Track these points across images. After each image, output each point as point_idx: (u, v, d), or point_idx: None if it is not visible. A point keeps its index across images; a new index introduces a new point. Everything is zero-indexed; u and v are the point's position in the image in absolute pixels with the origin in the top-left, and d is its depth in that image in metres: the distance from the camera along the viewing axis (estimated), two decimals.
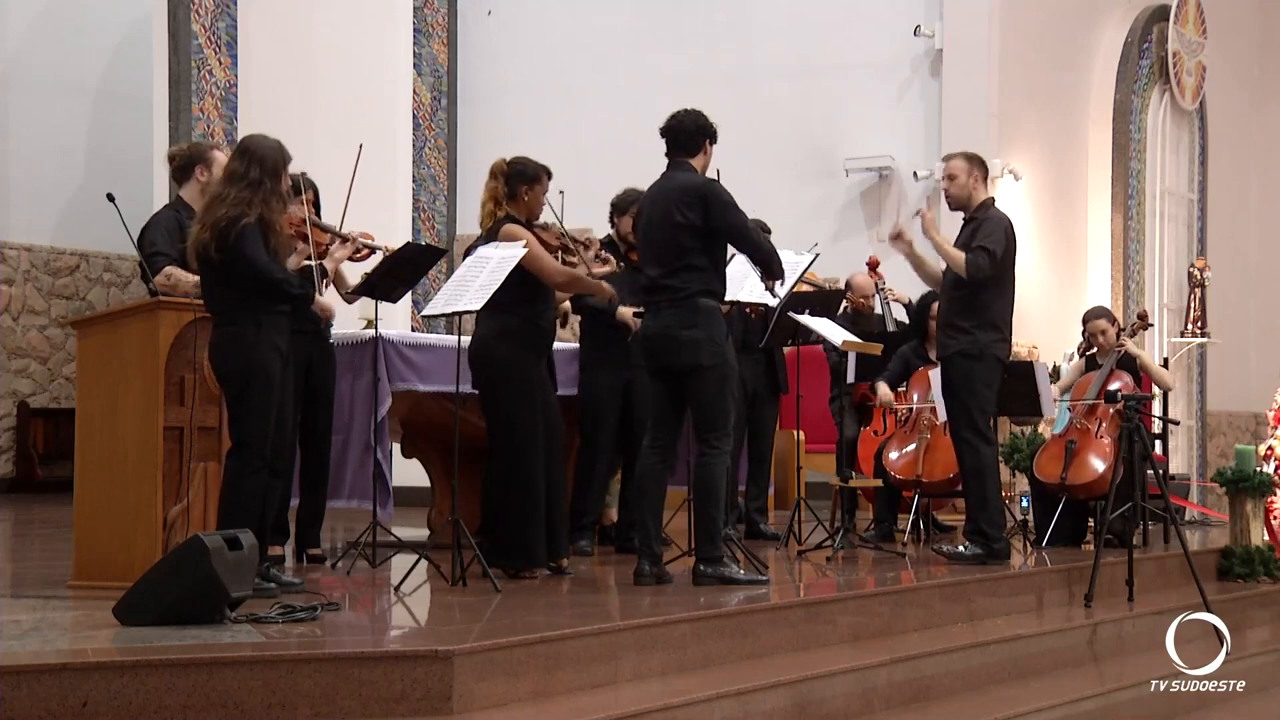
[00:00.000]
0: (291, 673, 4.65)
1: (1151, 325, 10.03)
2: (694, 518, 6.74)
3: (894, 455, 8.80)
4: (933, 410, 8.63)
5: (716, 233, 6.62)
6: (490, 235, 6.88)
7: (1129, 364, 9.00)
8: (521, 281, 6.59)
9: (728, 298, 6.96)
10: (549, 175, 6.98)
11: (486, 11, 14.26)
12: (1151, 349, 13.52)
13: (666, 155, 6.79)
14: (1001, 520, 7.89)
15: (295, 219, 6.67)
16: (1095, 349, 9.07)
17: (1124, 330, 9.15)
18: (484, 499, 6.85)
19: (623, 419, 7.84)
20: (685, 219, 6.57)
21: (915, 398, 8.88)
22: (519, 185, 6.88)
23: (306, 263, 6.50)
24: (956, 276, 7.68)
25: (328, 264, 6.81)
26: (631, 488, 7.77)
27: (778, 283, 6.85)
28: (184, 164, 6.83)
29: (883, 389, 8.96)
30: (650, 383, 6.86)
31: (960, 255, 7.63)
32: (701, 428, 6.62)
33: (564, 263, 6.95)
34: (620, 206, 8.01)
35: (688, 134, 6.75)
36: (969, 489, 7.80)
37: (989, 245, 7.60)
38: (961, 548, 7.68)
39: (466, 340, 6.88)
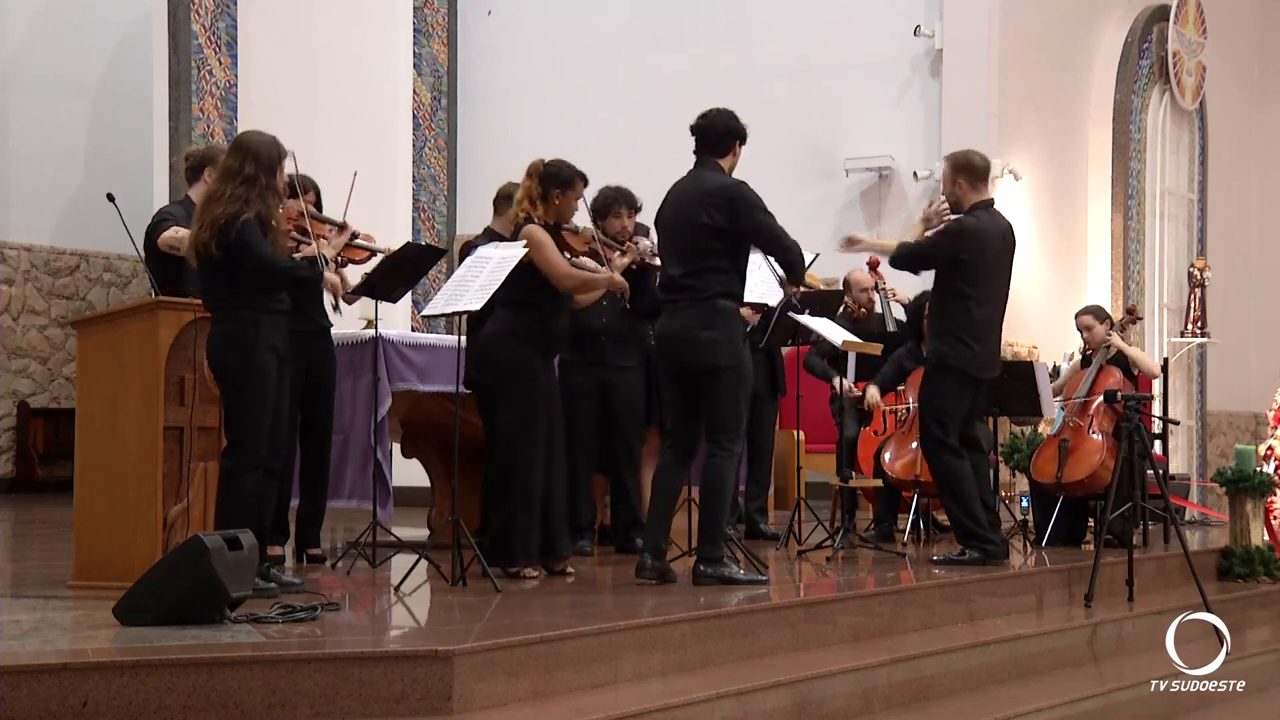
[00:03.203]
0: (291, 673, 4.65)
1: (1140, 319, 10.00)
2: (698, 517, 6.73)
3: (892, 456, 8.79)
4: None
5: (744, 235, 6.56)
6: (514, 237, 6.86)
7: (1121, 361, 9.01)
8: (536, 283, 6.58)
9: None
10: (585, 181, 6.92)
11: (486, 11, 14.26)
12: (1152, 349, 13.53)
13: (695, 154, 6.73)
14: (994, 519, 7.84)
15: (293, 212, 6.65)
16: (1090, 349, 9.09)
17: (1112, 326, 9.14)
18: (484, 499, 6.84)
19: (602, 421, 7.80)
20: (712, 220, 6.50)
21: (912, 399, 8.86)
22: (551, 188, 6.82)
23: (307, 248, 6.50)
24: (933, 281, 7.71)
25: (327, 251, 6.78)
26: (629, 485, 7.81)
27: (797, 288, 6.83)
28: (196, 165, 6.97)
29: (871, 391, 8.91)
30: (666, 387, 6.79)
31: (892, 244, 7.71)
32: (713, 429, 6.58)
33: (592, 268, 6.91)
34: (601, 210, 7.82)
35: (718, 134, 6.70)
36: (941, 498, 7.76)
37: (925, 240, 7.64)
38: (959, 553, 7.62)
39: (466, 340, 6.86)
